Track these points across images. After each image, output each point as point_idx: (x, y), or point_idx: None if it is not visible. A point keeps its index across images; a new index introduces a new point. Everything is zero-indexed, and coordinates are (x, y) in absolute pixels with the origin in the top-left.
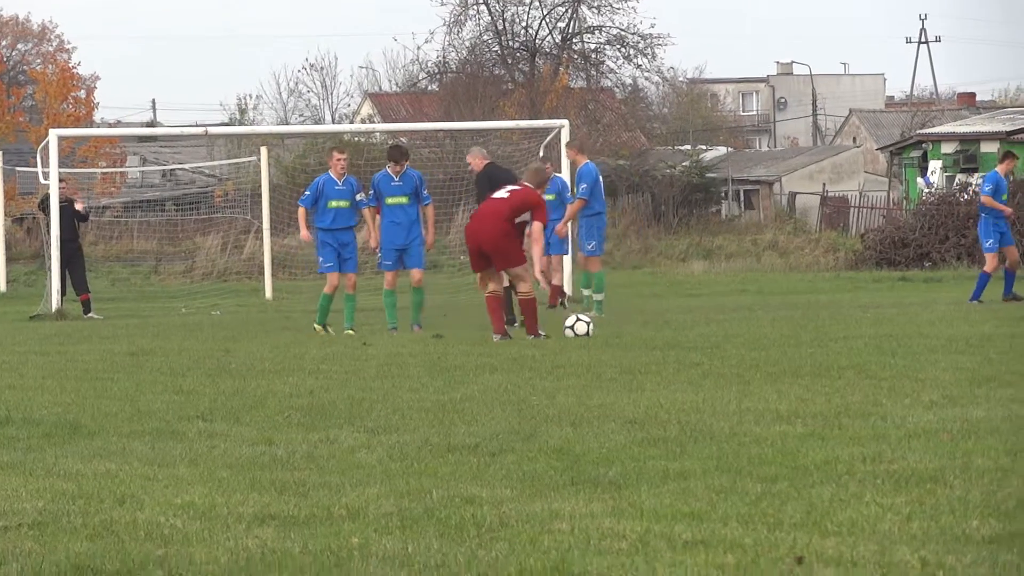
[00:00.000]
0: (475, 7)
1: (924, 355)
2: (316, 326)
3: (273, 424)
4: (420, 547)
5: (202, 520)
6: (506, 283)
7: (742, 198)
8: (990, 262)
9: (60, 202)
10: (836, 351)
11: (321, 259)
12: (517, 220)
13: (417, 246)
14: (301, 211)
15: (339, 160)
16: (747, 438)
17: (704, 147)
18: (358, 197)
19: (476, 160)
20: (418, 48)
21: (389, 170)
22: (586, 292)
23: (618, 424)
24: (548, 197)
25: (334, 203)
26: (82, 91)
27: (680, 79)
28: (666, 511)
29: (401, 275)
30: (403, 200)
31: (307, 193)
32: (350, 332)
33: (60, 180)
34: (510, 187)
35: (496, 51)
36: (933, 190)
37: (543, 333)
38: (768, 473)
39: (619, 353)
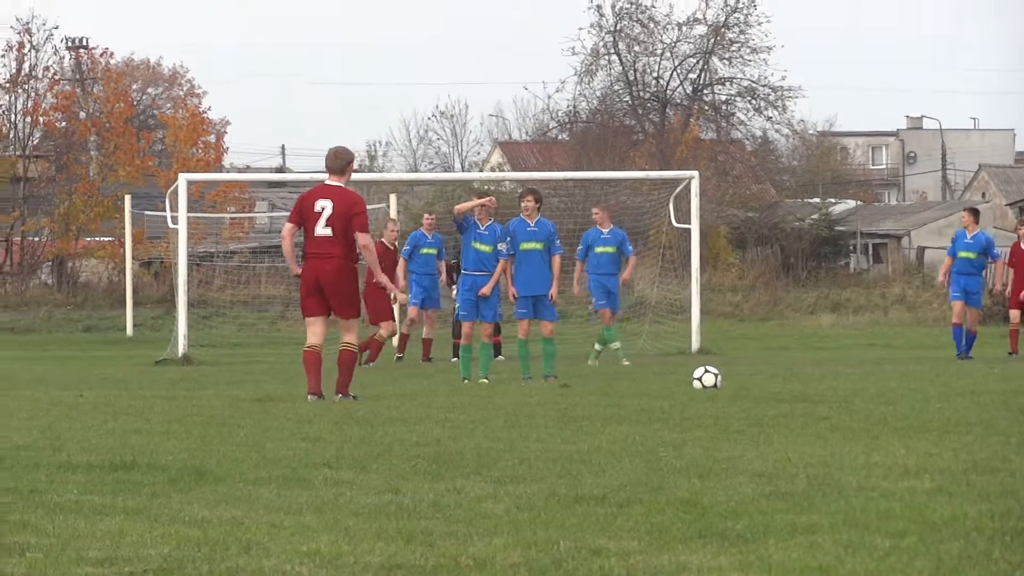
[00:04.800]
0: (606, 57)
1: None
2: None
3: (399, 473)
4: None
5: (328, 568)
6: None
7: (871, 252)
8: None
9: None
10: (964, 406)
11: (458, 306)
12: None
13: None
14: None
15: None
16: (875, 493)
17: (833, 200)
18: (499, 246)
19: None
20: (549, 97)
21: (524, 215)
22: (614, 346)
23: (746, 477)
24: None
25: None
26: (212, 136)
27: (810, 132)
28: (794, 565)
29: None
30: (538, 246)
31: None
32: (484, 381)
33: None
34: (325, 202)
35: (627, 101)
36: None
37: (352, 394)
38: (896, 528)
39: (747, 405)
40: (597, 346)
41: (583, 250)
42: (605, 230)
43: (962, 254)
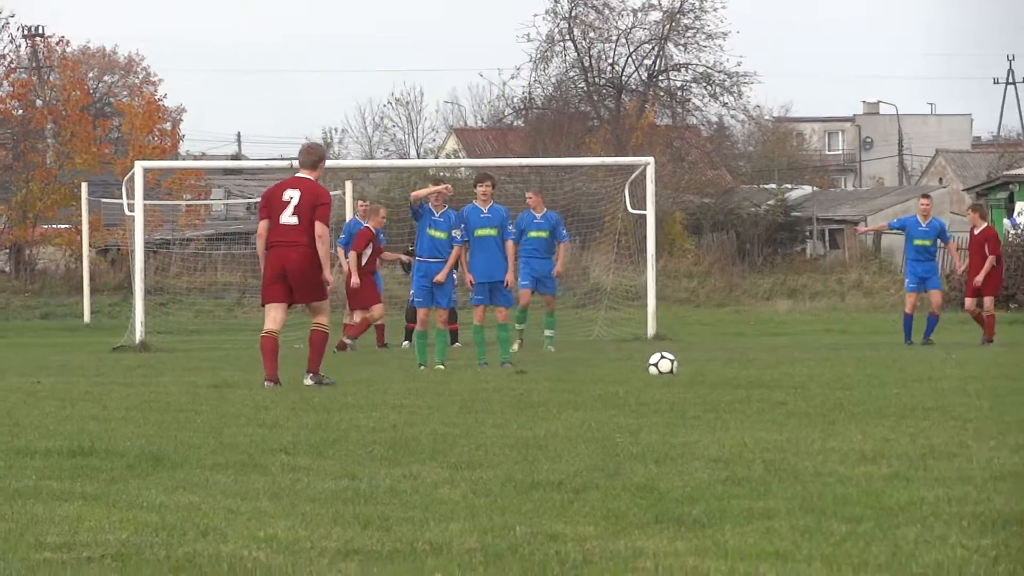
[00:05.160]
0: (561, 43)
1: (1010, 396)
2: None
3: (356, 458)
4: None
5: (285, 554)
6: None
7: (827, 237)
8: None
9: None
10: (921, 392)
11: (413, 292)
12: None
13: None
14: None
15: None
16: (831, 478)
17: (789, 186)
18: (454, 233)
19: None
20: (504, 84)
21: (479, 201)
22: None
23: (702, 462)
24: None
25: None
26: (168, 123)
27: (766, 117)
28: (750, 550)
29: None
30: (492, 232)
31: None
32: (440, 368)
33: None
34: (293, 192)
35: (582, 87)
36: (1019, 231)
37: (323, 375)
38: (853, 513)
39: (703, 391)
40: (547, 332)
41: (516, 234)
42: (539, 214)
43: (918, 242)
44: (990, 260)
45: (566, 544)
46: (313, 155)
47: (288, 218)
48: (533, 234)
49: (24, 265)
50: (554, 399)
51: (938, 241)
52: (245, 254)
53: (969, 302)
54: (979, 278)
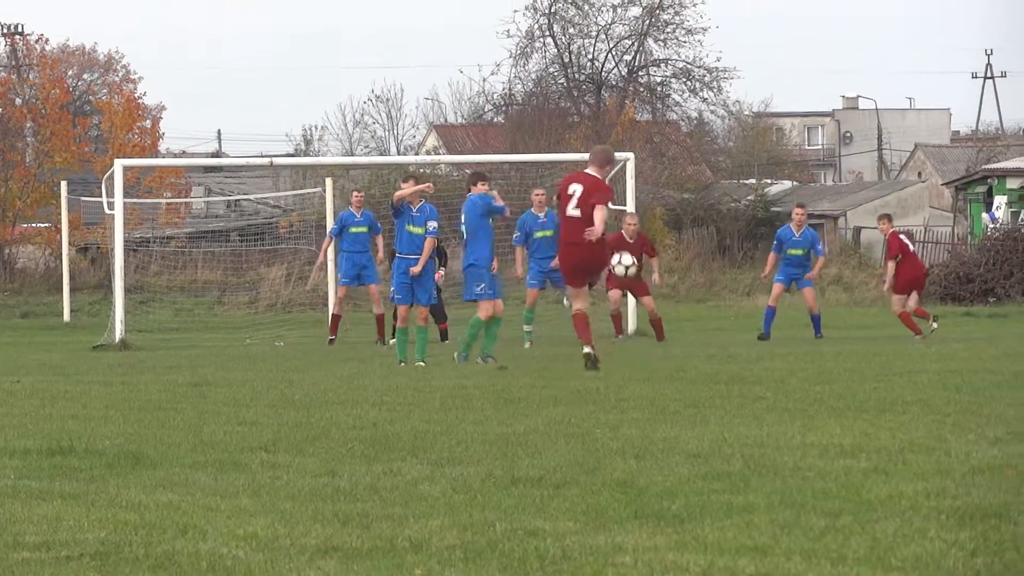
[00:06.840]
0: (541, 39)
1: (989, 391)
2: (399, 360)
3: (336, 456)
4: None
5: (265, 551)
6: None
7: None
8: None
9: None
10: (900, 386)
11: (393, 289)
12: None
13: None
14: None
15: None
16: (811, 472)
17: (769, 181)
18: (429, 225)
19: None
20: (484, 80)
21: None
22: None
23: (682, 457)
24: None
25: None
26: (147, 121)
27: (745, 113)
28: (730, 545)
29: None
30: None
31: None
32: (421, 364)
33: None
34: (576, 186)
35: (562, 83)
36: (998, 225)
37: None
38: (832, 508)
39: (683, 387)
40: (527, 327)
41: (522, 236)
42: (541, 214)
43: (791, 251)
44: (891, 265)
45: (546, 540)
46: (602, 155)
47: (572, 211)
48: (540, 234)
49: (3, 264)
50: (534, 395)
51: (812, 252)
52: (225, 252)
53: (896, 300)
54: (886, 283)
